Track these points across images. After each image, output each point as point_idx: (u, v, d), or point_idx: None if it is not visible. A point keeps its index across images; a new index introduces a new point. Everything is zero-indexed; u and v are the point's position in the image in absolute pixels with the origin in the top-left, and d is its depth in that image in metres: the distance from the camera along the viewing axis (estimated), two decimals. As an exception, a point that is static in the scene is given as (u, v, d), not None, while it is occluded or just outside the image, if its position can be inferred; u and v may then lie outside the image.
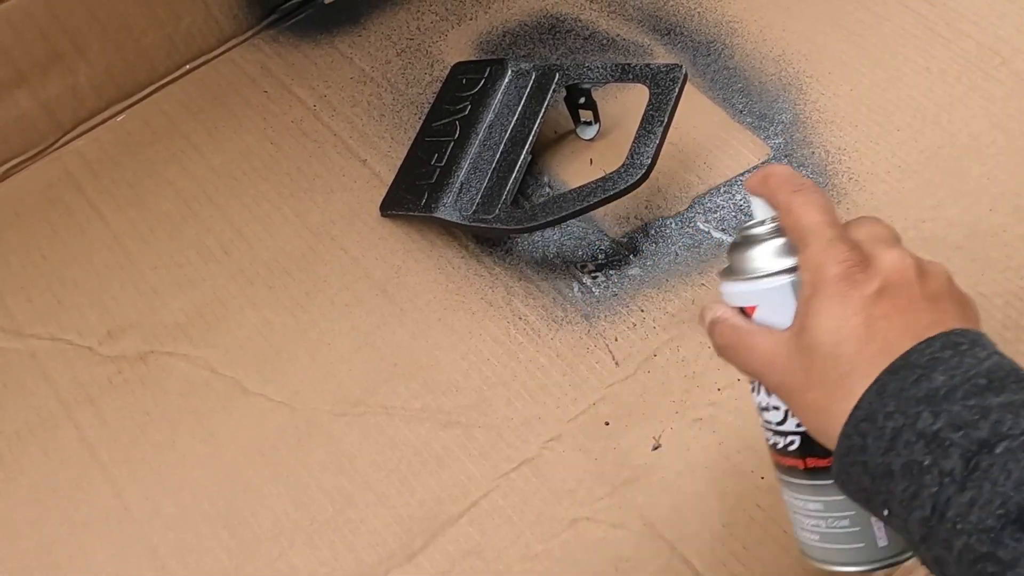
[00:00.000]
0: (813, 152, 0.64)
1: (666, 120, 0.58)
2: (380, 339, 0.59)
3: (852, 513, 0.40)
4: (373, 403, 0.56)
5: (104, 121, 0.72)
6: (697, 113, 0.66)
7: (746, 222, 0.42)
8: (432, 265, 0.62)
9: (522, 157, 0.61)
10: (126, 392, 0.58)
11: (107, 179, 0.68)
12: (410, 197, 0.63)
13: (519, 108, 0.64)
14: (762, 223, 0.41)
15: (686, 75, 0.60)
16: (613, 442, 0.54)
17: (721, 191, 0.63)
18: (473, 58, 0.72)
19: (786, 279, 0.39)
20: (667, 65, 0.60)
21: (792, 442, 0.41)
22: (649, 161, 0.57)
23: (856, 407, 0.35)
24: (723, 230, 0.61)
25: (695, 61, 0.69)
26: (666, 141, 0.59)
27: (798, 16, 0.72)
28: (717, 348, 0.41)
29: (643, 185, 0.58)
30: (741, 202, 0.62)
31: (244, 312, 0.61)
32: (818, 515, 0.41)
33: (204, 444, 0.56)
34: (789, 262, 0.39)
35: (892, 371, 0.34)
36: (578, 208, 0.57)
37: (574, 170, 0.65)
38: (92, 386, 0.58)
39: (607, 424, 0.54)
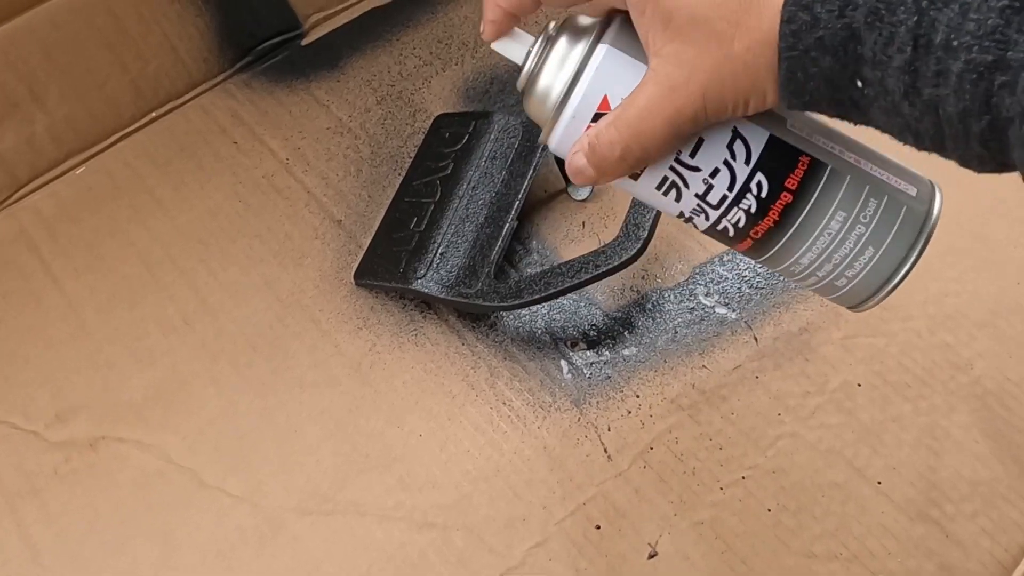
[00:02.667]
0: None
1: (664, 187, 0.53)
2: (352, 425, 0.54)
3: (867, 187, 0.35)
4: (343, 500, 0.51)
5: (63, 174, 0.67)
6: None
7: (522, 76, 0.36)
8: (410, 341, 0.57)
9: (507, 224, 0.56)
10: (74, 484, 0.53)
11: (64, 239, 0.64)
12: (387, 265, 0.58)
13: (506, 168, 0.59)
14: (528, 58, 0.35)
15: (686, 136, 0.55)
16: (605, 548, 0.49)
17: (724, 260, 0.58)
18: (458, 108, 0.67)
19: (603, 46, 0.34)
20: (666, 125, 0.55)
21: (760, 184, 0.34)
22: (645, 234, 0.52)
23: None
24: (727, 304, 0.56)
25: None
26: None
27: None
28: (618, 163, 0.34)
29: (640, 253, 0.53)
30: (746, 272, 0.57)
31: (206, 392, 0.56)
32: (850, 225, 0.34)
33: (157, 546, 0.51)
34: (588, 37, 0.34)
35: None
36: (567, 286, 0.52)
37: (564, 234, 0.60)
38: (38, 476, 0.53)
39: (598, 528, 0.50)
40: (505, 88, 0.68)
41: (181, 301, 0.60)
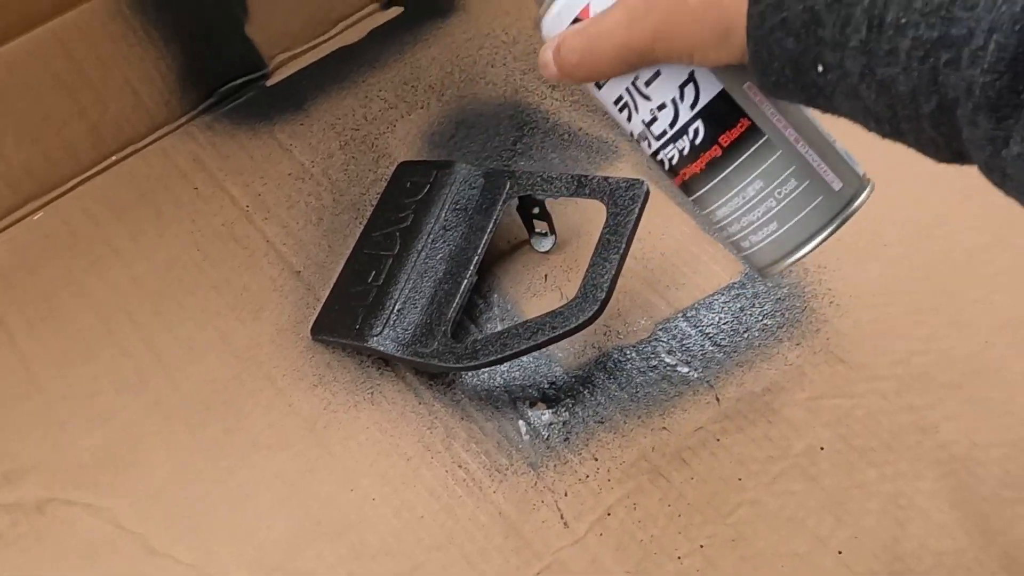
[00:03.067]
0: (790, 270, 0.58)
1: (624, 246, 0.52)
2: (305, 490, 0.53)
3: (793, 167, 0.37)
4: (293, 569, 0.50)
5: (20, 220, 0.66)
6: (664, 223, 0.60)
7: None
8: (366, 399, 0.55)
9: (466, 280, 0.55)
10: (20, 550, 0.52)
11: (19, 289, 0.62)
12: (343, 320, 0.57)
13: (466, 220, 0.58)
14: None
15: (647, 192, 0.53)
16: (560, 621, 0.48)
17: (688, 316, 0.57)
18: (422, 154, 0.65)
19: None
20: (627, 180, 0.54)
21: (697, 131, 0.36)
22: (603, 295, 0.50)
23: None
24: (689, 363, 0.55)
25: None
26: (630, 256, 0.53)
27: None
28: (574, 69, 0.36)
29: (601, 309, 0.52)
30: (709, 328, 0.56)
31: (158, 454, 0.55)
32: (763, 195, 0.37)
33: (103, 616, 0.50)
34: None
35: None
36: (523, 347, 0.51)
37: (527, 288, 0.59)
38: (-16, 542, 0.53)
39: (553, 599, 0.48)
40: (470, 134, 0.66)
41: (136, 357, 0.59)
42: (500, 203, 0.57)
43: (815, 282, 0.57)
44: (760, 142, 0.36)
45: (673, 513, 0.50)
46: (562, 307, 0.51)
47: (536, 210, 0.59)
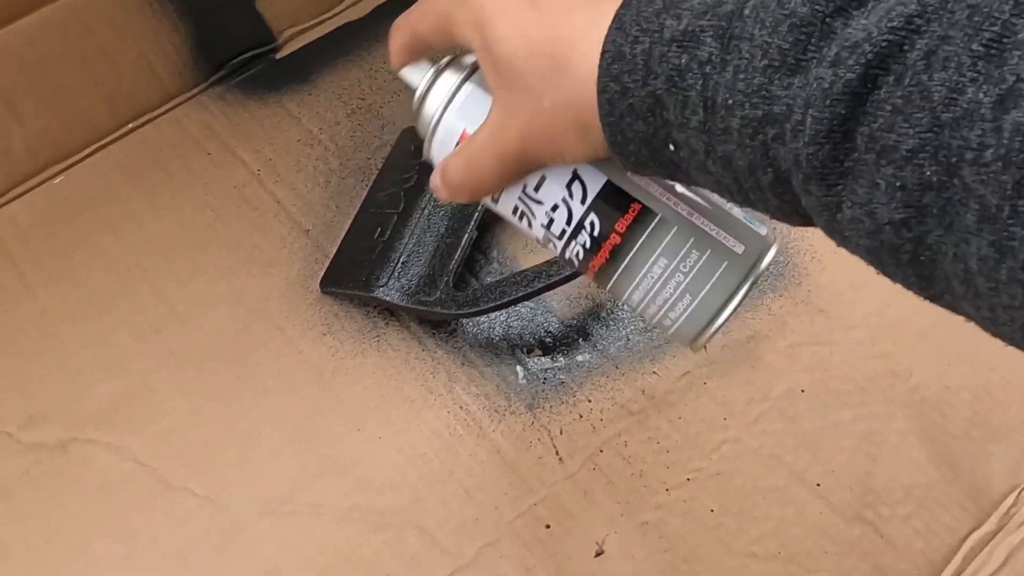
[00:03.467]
0: (775, 227, 0.61)
1: (615, 200, 0.55)
2: (313, 430, 0.56)
3: (692, 239, 0.37)
4: (302, 501, 0.53)
5: (39, 184, 0.69)
6: (654, 184, 0.64)
7: (414, 99, 0.39)
8: (371, 347, 0.59)
9: (467, 234, 0.58)
10: (43, 485, 0.55)
11: (39, 248, 0.65)
12: (351, 273, 0.60)
13: (466, 180, 0.61)
14: (420, 84, 0.39)
15: (638, 151, 0.57)
16: (554, 547, 0.51)
17: (677, 270, 0.60)
18: (424, 121, 0.69)
19: (469, 85, 0.37)
20: (619, 140, 0.57)
21: (593, 224, 0.37)
22: (596, 245, 0.54)
23: (603, 53, 0.31)
24: (677, 313, 0.58)
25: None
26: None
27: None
28: (460, 188, 0.38)
29: (595, 263, 0.55)
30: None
31: (173, 398, 0.58)
32: (670, 272, 0.37)
33: (122, 546, 0.52)
34: (461, 73, 0.38)
35: (625, 4, 0.31)
36: (522, 294, 0.54)
37: (524, 244, 0.62)
38: (8, 477, 0.55)
39: (548, 527, 0.51)
40: (471, 103, 0.70)
41: (150, 310, 0.62)
42: (499, 164, 0.60)
43: (798, 239, 0.61)
44: (655, 222, 0.37)
45: (661, 450, 0.54)
46: (557, 257, 0.54)
47: (533, 172, 0.62)
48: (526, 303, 0.59)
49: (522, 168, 0.37)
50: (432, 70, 0.39)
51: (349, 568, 0.51)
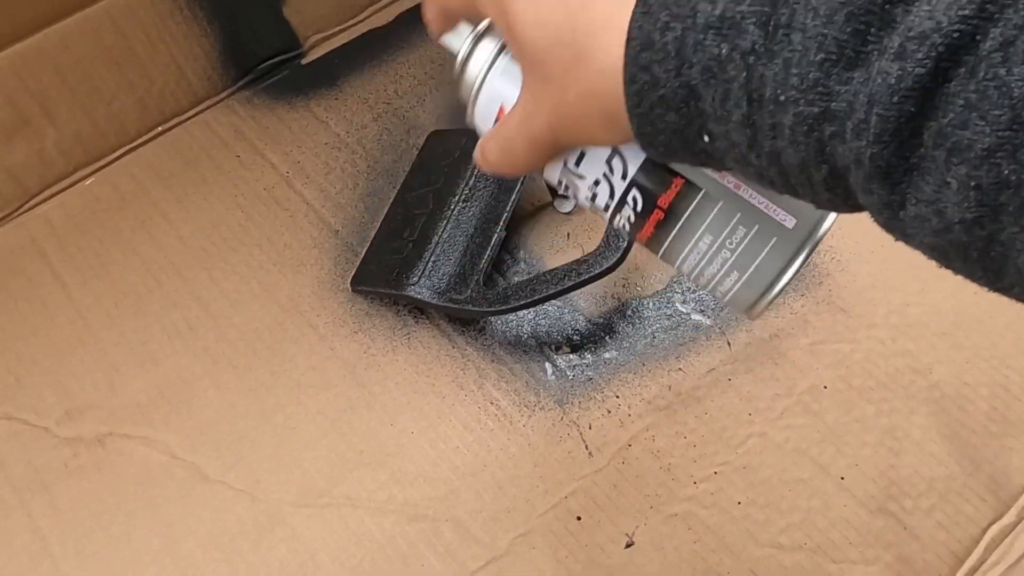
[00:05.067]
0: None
1: (643, 201, 0.57)
2: (347, 424, 0.57)
3: (738, 215, 0.35)
4: (337, 494, 0.54)
5: (72, 185, 0.70)
6: (677, 187, 0.65)
7: (456, 64, 0.38)
8: (403, 344, 0.60)
9: (496, 234, 0.60)
10: (82, 478, 0.56)
11: (73, 247, 0.67)
12: (381, 272, 0.61)
13: (494, 182, 0.62)
14: (460, 48, 0.38)
15: (664, 154, 0.58)
16: (585, 539, 0.52)
17: (700, 270, 0.61)
18: (450, 126, 0.70)
19: (504, 59, 0.36)
20: (645, 143, 0.59)
21: (635, 199, 0.36)
22: (625, 244, 0.55)
23: (628, 40, 0.29)
24: (702, 312, 0.59)
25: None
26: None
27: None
28: (499, 168, 0.37)
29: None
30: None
31: (207, 394, 0.59)
32: (716, 249, 0.36)
33: (160, 537, 0.53)
34: (496, 43, 0.37)
35: None
36: (551, 292, 0.55)
37: (550, 244, 0.64)
38: (47, 471, 0.56)
39: (579, 519, 0.53)
40: (495, 107, 0.71)
41: (184, 308, 0.63)
42: (526, 166, 0.62)
43: (817, 240, 0.62)
44: (699, 197, 0.35)
45: (688, 445, 0.55)
46: (586, 256, 0.56)
47: (559, 174, 0.63)
48: (554, 302, 0.60)
49: (556, 151, 0.36)
50: (471, 37, 0.38)
51: (385, 559, 0.52)
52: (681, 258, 0.37)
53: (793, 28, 0.26)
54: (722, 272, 0.36)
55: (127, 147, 0.72)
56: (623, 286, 0.61)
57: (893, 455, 0.54)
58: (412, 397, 0.58)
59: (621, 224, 0.38)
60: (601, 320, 0.60)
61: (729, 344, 0.58)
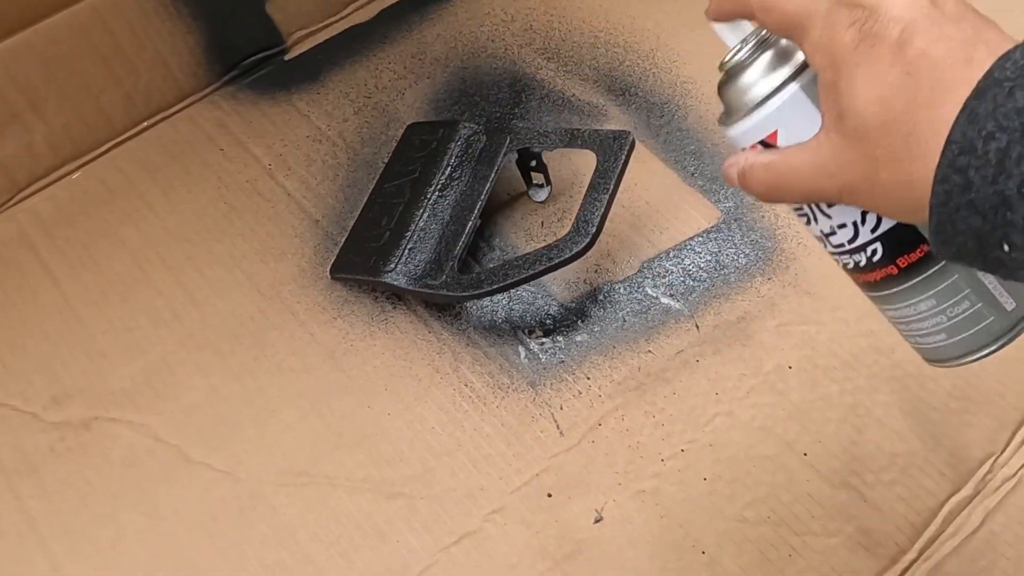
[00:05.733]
0: (763, 215, 0.64)
1: (612, 187, 0.58)
2: (326, 407, 0.59)
3: (967, 291, 0.37)
4: (317, 473, 0.56)
5: (60, 178, 0.72)
6: (649, 175, 0.67)
7: (724, 58, 0.37)
8: (381, 329, 0.61)
9: (471, 222, 0.61)
10: (69, 461, 0.57)
11: (61, 239, 0.68)
12: (359, 260, 0.63)
13: (469, 171, 0.64)
14: (739, 47, 0.37)
15: (633, 142, 0.60)
16: (555, 514, 0.53)
17: (671, 255, 0.63)
18: (429, 118, 0.72)
19: (795, 86, 0.36)
20: (615, 132, 0.60)
21: (875, 251, 0.37)
22: (594, 229, 0.57)
23: (948, 143, 0.30)
24: (671, 296, 0.61)
25: (648, 122, 0.70)
26: (617, 204, 0.59)
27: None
28: (759, 196, 0.37)
29: (593, 249, 0.58)
30: (690, 266, 0.62)
31: (191, 379, 0.60)
32: (934, 312, 0.37)
33: (145, 517, 0.55)
34: (789, 68, 0.36)
35: (978, 94, 0.30)
36: (523, 276, 0.57)
37: (525, 232, 0.65)
38: (35, 454, 0.58)
39: (550, 496, 0.54)
40: (472, 100, 0.73)
41: (169, 296, 0.64)
42: (501, 155, 0.63)
43: (785, 225, 0.64)
44: (938, 266, 0.36)
45: (656, 424, 0.56)
46: (556, 241, 0.58)
47: (533, 163, 0.65)
48: (527, 288, 0.62)
49: (828, 202, 0.37)
50: (754, 40, 0.37)
51: (362, 535, 0.53)
52: (894, 307, 0.38)
53: None
54: (931, 330, 0.38)
55: (114, 141, 0.73)
56: (595, 272, 0.63)
57: (856, 431, 0.55)
58: (389, 380, 0.59)
59: (843, 262, 0.39)
60: (573, 305, 0.61)
61: (698, 327, 0.60)
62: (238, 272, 0.65)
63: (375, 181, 0.68)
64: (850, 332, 0.59)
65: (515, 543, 0.53)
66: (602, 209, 0.58)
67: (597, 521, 0.53)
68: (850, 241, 0.37)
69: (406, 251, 0.61)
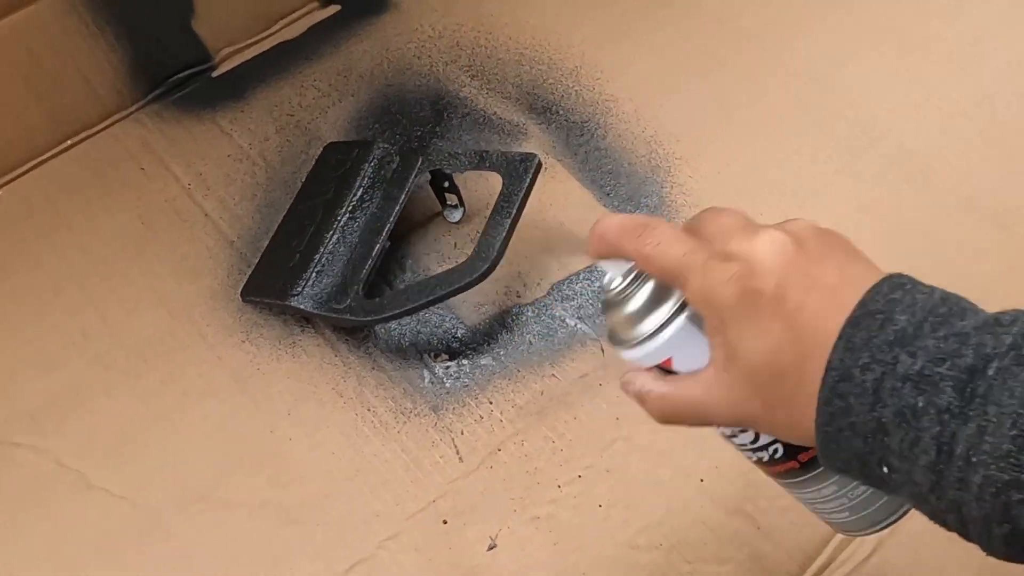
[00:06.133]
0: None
1: (515, 211, 0.58)
2: (230, 430, 0.59)
3: None
4: (216, 498, 0.56)
5: (-19, 198, 0.72)
6: (565, 195, 0.67)
7: (607, 286, 0.39)
8: (287, 353, 0.61)
9: (378, 244, 0.61)
10: (-30, 486, 0.58)
11: (-23, 259, 0.68)
12: (270, 283, 0.63)
13: (381, 193, 0.64)
14: (624, 280, 0.38)
15: (539, 165, 0.60)
16: (449, 541, 0.53)
17: (581, 277, 0.63)
18: (350, 137, 0.72)
19: (682, 318, 0.37)
20: (522, 155, 0.60)
21: (776, 450, 0.39)
22: (495, 254, 0.57)
23: (828, 369, 0.32)
24: (579, 317, 0.61)
25: (568, 141, 0.70)
26: (531, 224, 0.59)
27: (674, 94, 0.72)
28: (657, 420, 0.39)
29: (503, 271, 0.58)
30: (600, 289, 0.62)
31: (98, 400, 0.60)
32: (837, 495, 0.39)
33: (44, 541, 0.55)
34: (675, 299, 0.37)
35: (853, 323, 0.32)
36: (423, 301, 0.57)
37: (438, 254, 0.65)
38: (-63, 479, 0.58)
39: (445, 522, 0.54)
40: (394, 119, 0.73)
41: (81, 316, 0.64)
42: (412, 176, 0.63)
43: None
44: None
45: (556, 449, 0.56)
46: (459, 265, 0.58)
47: (447, 184, 0.65)
48: (435, 310, 0.62)
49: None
50: (633, 273, 0.38)
51: (257, 560, 0.53)
52: (801, 492, 0.41)
53: (989, 401, 0.29)
54: (836, 509, 0.40)
55: (36, 160, 0.73)
56: (504, 294, 0.63)
57: (754, 457, 0.55)
58: (293, 405, 0.59)
59: (752, 459, 0.40)
60: (481, 327, 0.61)
61: (603, 350, 0.60)
62: (151, 293, 0.65)
63: (291, 202, 0.68)
64: (755, 356, 0.59)
65: (407, 570, 0.53)
66: (504, 233, 0.57)
67: (491, 548, 0.53)
68: (752, 443, 0.39)
69: (314, 274, 0.61)
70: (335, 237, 0.63)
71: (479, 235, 0.57)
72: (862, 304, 0.32)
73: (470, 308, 0.62)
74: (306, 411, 0.59)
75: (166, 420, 0.59)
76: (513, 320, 0.61)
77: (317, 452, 0.57)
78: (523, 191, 0.59)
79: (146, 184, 0.71)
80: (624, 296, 0.38)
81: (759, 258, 0.34)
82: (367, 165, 0.65)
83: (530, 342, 0.60)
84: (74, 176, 0.72)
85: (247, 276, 0.65)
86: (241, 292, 0.64)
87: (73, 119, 0.74)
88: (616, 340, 0.39)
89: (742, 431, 0.39)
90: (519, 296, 0.62)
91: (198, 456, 0.58)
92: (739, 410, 0.36)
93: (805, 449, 0.38)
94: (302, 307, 0.60)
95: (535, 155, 0.60)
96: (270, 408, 0.59)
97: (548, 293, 0.62)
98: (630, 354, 0.38)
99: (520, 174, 0.59)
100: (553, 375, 0.59)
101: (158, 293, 0.65)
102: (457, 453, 0.56)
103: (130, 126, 0.75)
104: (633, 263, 0.38)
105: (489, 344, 0.60)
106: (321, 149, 0.70)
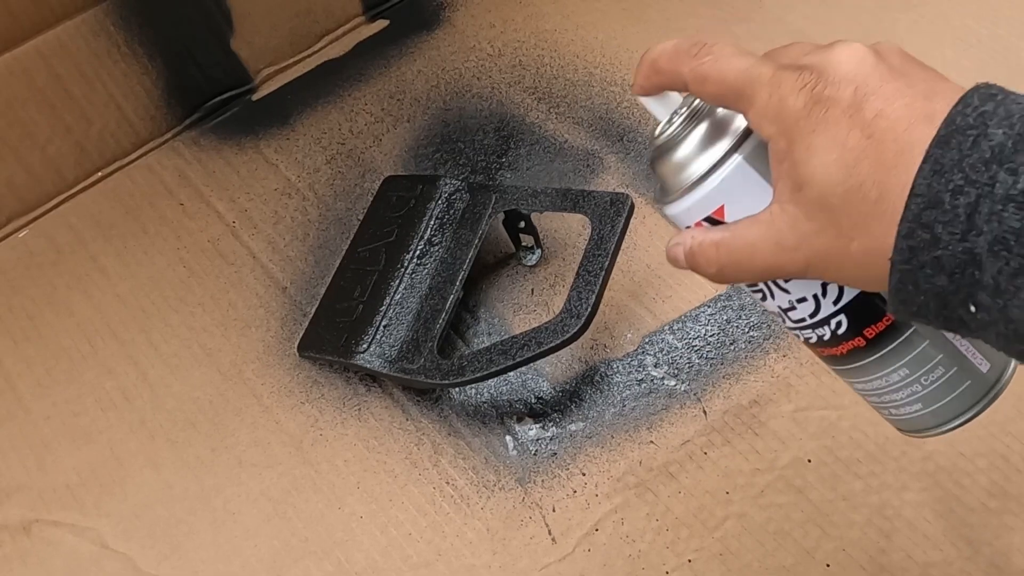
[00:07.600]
0: (777, 282, 0.58)
1: (608, 261, 0.52)
2: (291, 507, 0.53)
3: (940, 356, 0.34)
4: (280, 587, 0.50)
5: (4, 237, 0.66)
6: (649, 236, 0.60)
7: (655, 133, 0.35)
8: (353, 416, 0.55)
9: (452, 295, 0.55)
10: (6, 572, 0.52)
11: (4, 307, 0.62)
12: (329, 337, 0.57)
13: (451, 235, 0.58)
14: (671, 120, 0.34)
15: (632, 207, 0.54)
16: (547, 638, 0.48)
17: (674, 328, 0.57)
18: (408, 168, 0.65)
19: (738, 157, 0.33)
20: (612, 195, 0.54)
21: (839, 324, 0.34)
22: (588, 310, 0.51)
23: (912, 196, 0.28)
24: (676, 376, 0.55)
25: (648, 173, 0.63)
26: (616, 269, 0.53)
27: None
28: (711, 277, 0.34)
29: (587, 322, 0.52)
30: (696, 341, 0.56)
31: (142, 472, 0.54)
32: (907, 382, 0.35)
33: (88, 638, 0.49)
34: (730, 138, 0.33)
35: (941, 142, 0.28)
36: (508, 364, 0.51)
37: (513, 302, 0.59)
38: (-32, 564, 0.52)
39: (541, 615, 0.48)
40: (456, 147, 0.67)
41: (120, 375, 0.58)
42: (486, 217, 0.57)
43: (800, 294, 0.57)
44: (907, 333, 0.34)
45: (660, 527, 0.50)
46: (547, 323, 0.51)
47: (522, 224, 0.59)
48: (516, 366, 0.56)
49: (789, 278, 0.34)
50: (686, 112, 0.34)
51: (330, 662, 0.48)
52: (863, 380, 0.36)
53: None
54: (906, 401, 0.36)
55: (64, 194, 0.67)
56: (591, 348, 0.56)
57: (883, 536, 0.49)
58: (362, 476, 0.53)
59: (805, 337, 0.35)
60: (566, 386, 0.55)
61: (705, 412, 0.54)
62: (196, 348, 0.59)
63: (348, 243, 0.61)
64: (874, 418, 0.52)
65: (502, 673, 0.47)
66: (597, 286, 0.51)
67: (594, 646, 0.47)
68: (811, 315, 0.35)
69: (380, 328, 0.55)
70: (402, 286, 0.57)
71: (570, 288, 0.51)
72: (949, 120, 0.28)
73: (554, 365, 0.56)
74: (377, 484, 0.53)
75: (220, 496, 0.53)
76: (602, 378, 0.55)
77: (392, 532, 0.51)
78: (616, 237, 0.52)
79: (186, 222, 0.65)
80: (675, 140, 0.34)
81: (835, 66, 0.31)
82: (434, 203, 0.59)
83: (623, 403, 0.54)
84: (106, 212, 0.66)
85: (303, 328, 0.58)
86: (298, 347, 0.58)
87: (104, 149, 0.68)
88: (663, 194, 0.35)
89: (799, 299, 0.34)
90: (607, 350, 0.56)
91: (258, 538, 0.52)
92: (808, 247, 0.31)
93: (873, 322, 0.34)
94: (370, 366, 0.54)
95: (627, 196, 0.54)
96: (336, 481, 0.53)
97: (639, 347, 0.56)
98: (678, 206, 0.34)
99: (611, 217, 0.53)
100: (651, 442, 0.53)
101: (204, 348, 0.59)
102: (549, 533, 0.50)
103: (166, 156, 0.69)
104: (682, 101, 0.35)
105: (577, 406, 0.54)
106: (378, 183, 0.64)
